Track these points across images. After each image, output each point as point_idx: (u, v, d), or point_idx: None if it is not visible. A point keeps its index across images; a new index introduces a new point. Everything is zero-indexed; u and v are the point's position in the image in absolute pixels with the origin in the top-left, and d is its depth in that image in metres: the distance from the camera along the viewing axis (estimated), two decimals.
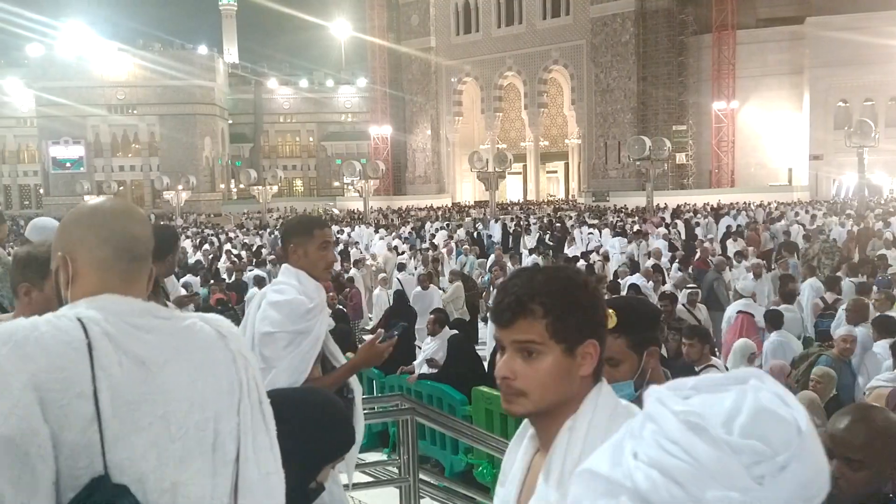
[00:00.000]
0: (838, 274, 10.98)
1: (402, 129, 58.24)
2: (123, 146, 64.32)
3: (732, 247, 16.08)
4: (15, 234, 25.12)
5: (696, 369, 5.03)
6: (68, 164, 62.56)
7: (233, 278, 13.62)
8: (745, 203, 33.73)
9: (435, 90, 56.62)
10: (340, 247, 19.65)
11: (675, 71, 45.33)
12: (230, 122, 69.92)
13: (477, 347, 11.32)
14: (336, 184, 67.98)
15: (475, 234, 24.54)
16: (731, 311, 8.80)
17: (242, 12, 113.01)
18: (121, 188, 59.52)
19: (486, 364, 7.45)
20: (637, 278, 11.57)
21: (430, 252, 17.59)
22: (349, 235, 25.88)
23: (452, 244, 19.70)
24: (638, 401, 2.11)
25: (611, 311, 2.06)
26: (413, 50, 56.57)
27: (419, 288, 11.24)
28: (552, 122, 55.67)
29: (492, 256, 15.91)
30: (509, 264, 13.99)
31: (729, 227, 21.84)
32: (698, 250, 14.81)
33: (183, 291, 6.96)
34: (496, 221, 28.13)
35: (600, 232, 21.59)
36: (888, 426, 2.05)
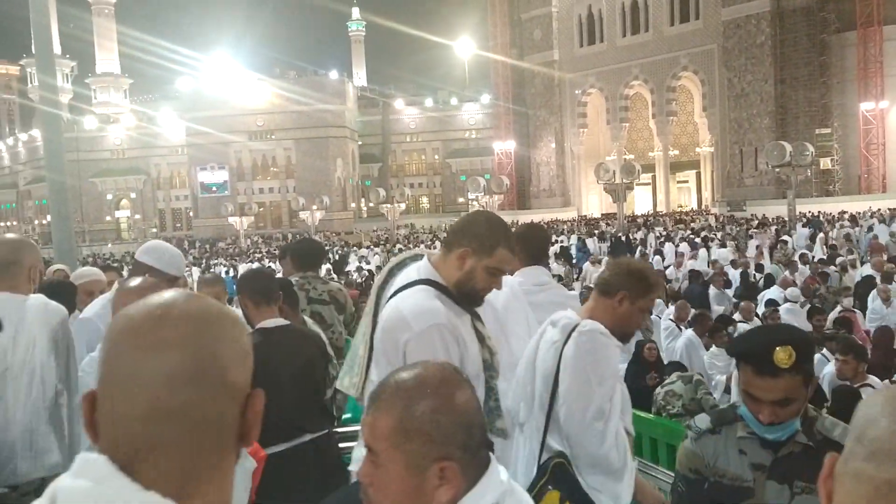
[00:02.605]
0: None
1: (526, 143, 58.24)
2: (263, 170, 68.16)
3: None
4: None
5: (853, 388, 4.71)
6: (214, 188, 67.04)
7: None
8: None
9: (559, 103, 56.26)
10: None
11: (816, 71, 42.70)
12: (360, 143, 72.50)
13: None
14: (461, 200, 68.89)
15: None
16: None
17: (370, 36, 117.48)
18: (261, 209, 63.04)
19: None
20: (775, 292, 10.87)
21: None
22: None
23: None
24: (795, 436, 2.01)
25: (788, 347, 1.91)
26: (536, 65, 56.55)
27: None
28: (682, 131, 53.87)
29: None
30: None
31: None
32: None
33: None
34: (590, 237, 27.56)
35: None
36: None
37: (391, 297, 2.39)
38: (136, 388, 0.82)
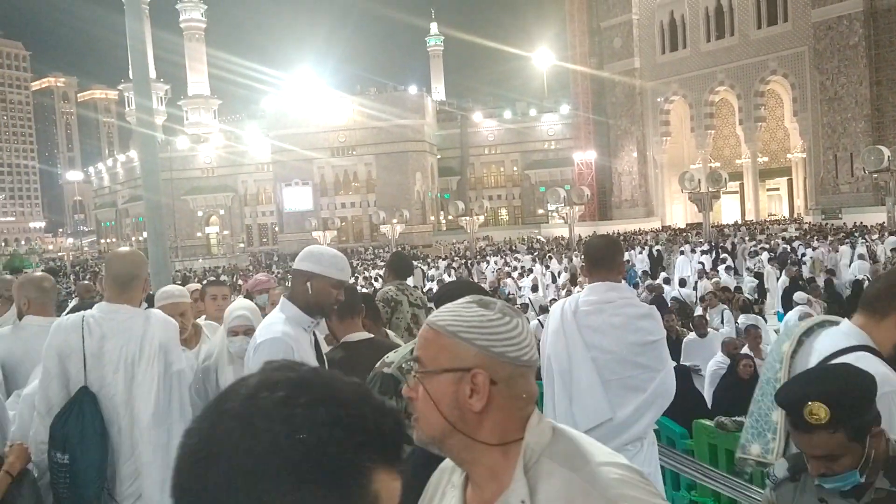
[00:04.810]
0: None
1: (607, 153, 57.39)
2: (345, 185, 69.63)
3: None
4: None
5: None
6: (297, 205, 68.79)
7: None
8: None
9: (640, 112, 55.26)
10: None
11: None
12: (438, 156, 73.10)
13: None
14: (540, 211, 68.43)
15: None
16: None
17: (448, 51, 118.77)
18: (343, 224, 64.31)
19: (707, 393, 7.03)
20: None
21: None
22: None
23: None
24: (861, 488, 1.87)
25: (818, 404, 1.76)
26: (616, 74, 55.76)
27: (694, 335, 8.75)
28: (771, 137, 51.94)
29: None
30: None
31: None
32: None
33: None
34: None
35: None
36: None
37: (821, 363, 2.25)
38: None
